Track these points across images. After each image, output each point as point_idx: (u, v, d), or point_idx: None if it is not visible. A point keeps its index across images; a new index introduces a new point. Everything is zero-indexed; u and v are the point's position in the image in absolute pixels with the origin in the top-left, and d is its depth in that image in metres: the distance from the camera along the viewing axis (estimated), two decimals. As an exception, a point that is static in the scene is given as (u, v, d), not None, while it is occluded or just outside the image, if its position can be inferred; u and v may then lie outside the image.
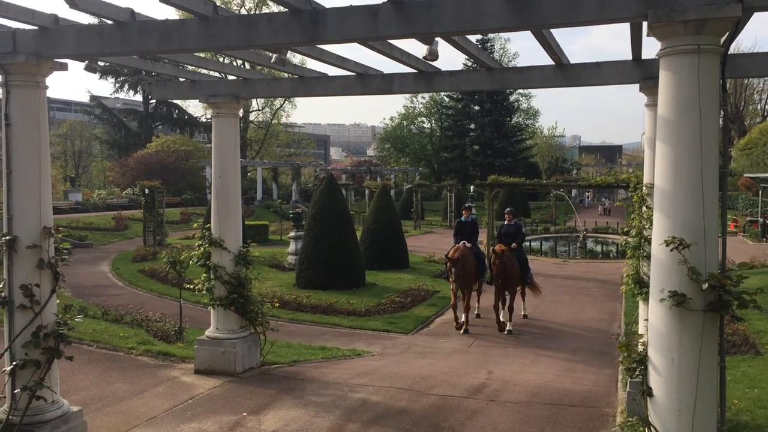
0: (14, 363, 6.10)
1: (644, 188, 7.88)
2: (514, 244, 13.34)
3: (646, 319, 5.30)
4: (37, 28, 6.13)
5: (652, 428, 4.87)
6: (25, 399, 6.07)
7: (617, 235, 31.44)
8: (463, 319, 13.02)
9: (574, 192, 58.00)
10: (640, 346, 5.41)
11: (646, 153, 8.13)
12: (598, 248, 28.74)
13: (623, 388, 8.29)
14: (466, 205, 16.12)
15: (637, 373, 5.17)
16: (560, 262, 25.19)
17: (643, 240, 7.81)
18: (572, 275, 21.15)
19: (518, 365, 10.44)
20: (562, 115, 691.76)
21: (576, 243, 28.83)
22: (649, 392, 4.91)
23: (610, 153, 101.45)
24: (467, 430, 7.27)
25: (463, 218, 14.21)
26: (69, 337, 6.46)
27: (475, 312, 14.21)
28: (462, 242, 13.33)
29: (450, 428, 7.32)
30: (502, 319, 12.99)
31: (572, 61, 7.68)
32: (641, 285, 7.80)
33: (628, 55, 7.41)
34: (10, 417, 6.08)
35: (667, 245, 4.59)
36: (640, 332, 7.43)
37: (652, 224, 5.11)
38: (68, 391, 7.83)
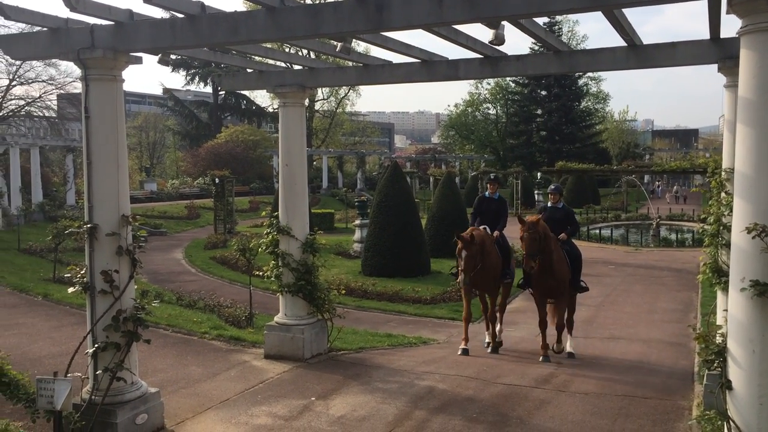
0: (96, 345, 6.40)
1: (723, 173, 7.54)
2: (563, 234, 9.88)
3: (725, 310, 5.11)
4: (113, 23, 6.35)
5: (731, 422, 4.70)
6: (107, 380, 6.35)
7: (693, 222, 30.29)
8: (487, 338, 10.39)
9: (646, 179, 56.19)
10: (718, 338, 5.21)
11: (725, 136, 7.76)
12: (673, 236, 27.73)
13: (700, 381, 8.01)
14: (492, 176, 11.55)
15: (715, 365, 5.00)
16: (632, 250, 24.49)
17: (721, 227, 7.48)
18: (645, 264, 20.53)
19: (588, 355, 10.22)
20: (634, 98, 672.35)
21: (648, 231, 27.90)
22: (728, 385, 4.75)
23: (685, 137, 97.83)
24: (535, 420, 7.17)
25: (487, 194, 10.53)
26: (146, 321, 6.71)
27: (498, 334, 10.29)
28: (482, 226, 10.10)
29: (518, 418, 7.23)
30: (548, 341, 9.66)
31: (645, 42, 7.39)
32: (719, 274, 7.48)
33: (704, 35, 7.08)
34: (93, 397, 6.37)
35: (749, 232, 4.40)
36: (718, 323, 7.14)
37: (731, 211, 4.90)
38: (146, 373, 8.14)
